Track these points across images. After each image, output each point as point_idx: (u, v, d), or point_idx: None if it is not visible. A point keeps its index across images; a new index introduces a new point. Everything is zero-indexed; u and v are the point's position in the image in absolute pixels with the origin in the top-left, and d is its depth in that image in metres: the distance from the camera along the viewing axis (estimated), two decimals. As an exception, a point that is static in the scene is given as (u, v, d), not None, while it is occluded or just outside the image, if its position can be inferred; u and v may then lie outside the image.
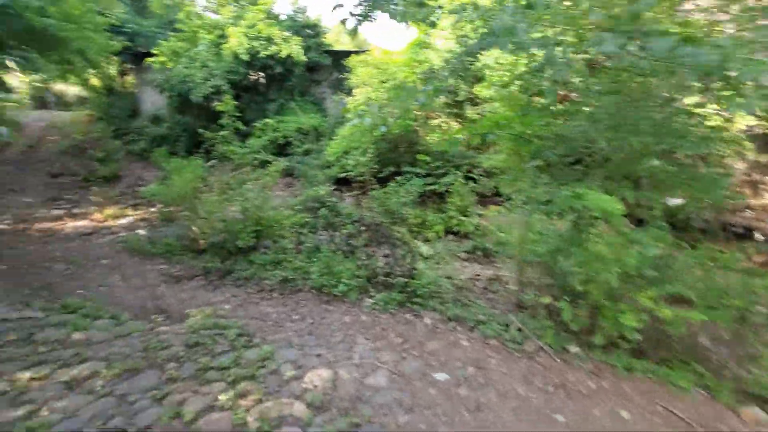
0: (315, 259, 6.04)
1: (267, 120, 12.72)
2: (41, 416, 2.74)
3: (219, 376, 3.23)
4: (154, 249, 6.32)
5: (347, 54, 15.09)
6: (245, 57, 12.54)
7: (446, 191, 8.91)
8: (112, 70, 20.55)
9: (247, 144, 11.34)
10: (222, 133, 6.58)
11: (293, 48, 12.86)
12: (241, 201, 6.09)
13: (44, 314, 4.42)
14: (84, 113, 22.00)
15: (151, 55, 14.26)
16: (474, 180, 9.00)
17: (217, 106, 6.92)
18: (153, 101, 17.87)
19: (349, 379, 3.31)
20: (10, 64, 5.98)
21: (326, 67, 15.30)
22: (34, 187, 11.20)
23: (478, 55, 3.35)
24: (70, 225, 8.31)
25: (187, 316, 4.48)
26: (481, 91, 9.00)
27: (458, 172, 9.10)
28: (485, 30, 2.84)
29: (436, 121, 10.67)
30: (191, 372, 3.30)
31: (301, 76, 14.20)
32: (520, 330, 4.08)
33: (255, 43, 12.69)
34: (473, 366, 3.59)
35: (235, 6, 13.56)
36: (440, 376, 3.44)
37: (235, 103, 7.05)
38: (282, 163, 6.71)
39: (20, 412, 2.79)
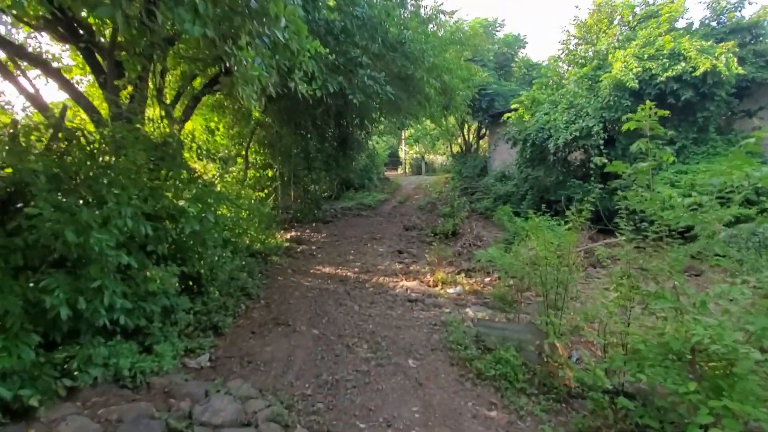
0: None
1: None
2: None
3: None
4: (482, 365, 3.55)
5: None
6: (632, 84, 8.93)
7: None
8: (470, 133, 21.90)
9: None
10: (641, 165, 3.21)
11: (720, 60, 8.15)
12: (674, 319, 2.41)
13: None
14: (443, 176, 24.72)
15: (509, 111, 13.26)
16: None
17: (626, 124, 3.63)
18: (502, 159, 17.10)
19: None
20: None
21: (767, 86, 9.38)
22: (390, 237, 11.57)
23: None
24: (402, 284, 7.13)
25: None
26: None
27: None
28: None
29: None
30: None
31: (724, 102, 9.04)
32: None
33: (651, 64, 8.91)
34: None
35: (623, 27, 10.38)
36: None
37: (660, 125, 3.51)
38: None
39: None
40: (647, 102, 3.66)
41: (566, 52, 12.02)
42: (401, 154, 32.81)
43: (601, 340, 2.70)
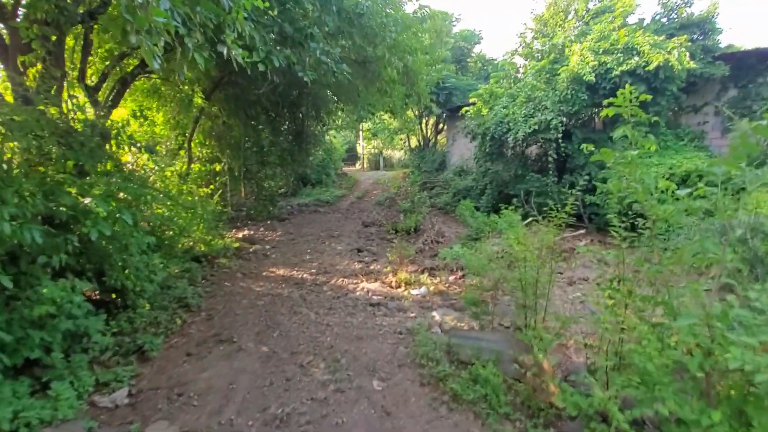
0: None
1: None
2: None
3: None
4: (458, 385, 3.08)
5: (762, 55, 9.13)
6: (589, 78, 8.93)
7: None
8: (428, 128, 21.72)
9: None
10: (630, 153, 2.86)
11: (673, 54, 8.29)
12: (688, 333, 2.06)
13: None
14: (402, 171, 24.46)
15: (467, 105, 13.09)
16: None
17: (606, 110, 3.29)
18: (461, 154, 17.03)
19: None
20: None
21: (713, 82, 9.76)
22: (349, 234, 11.04)
23: None
24: (362, 286, 6.62)
25: None
26: None
27: None
28: None
29: None
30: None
31: (673, 97, 9.26)
32: None
33: (606, 58, 8.95)
34: None
35: (579, 21, 10.40)
36: None
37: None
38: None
39: None
40: (627, 86, 3.38)
41: (523, 45, 11.97)
42: (359, 149, 32.19)
43: (603, 361, 2.34)
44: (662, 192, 2.90)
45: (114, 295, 4.47)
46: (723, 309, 1.82)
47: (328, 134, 20.72)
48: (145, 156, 5.90)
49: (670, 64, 8.42)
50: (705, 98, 10.18)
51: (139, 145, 4.50)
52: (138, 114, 6.93)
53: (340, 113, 13.35)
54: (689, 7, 9.66)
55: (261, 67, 3.24)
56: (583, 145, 2.99)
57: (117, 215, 3.25)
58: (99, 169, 4.04)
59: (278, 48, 3.44)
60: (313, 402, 3.01)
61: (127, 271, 4.26)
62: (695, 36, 9.73)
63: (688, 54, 8.57)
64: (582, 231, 9.27)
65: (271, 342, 4.14)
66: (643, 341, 2.06)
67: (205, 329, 4.49)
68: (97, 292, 4.67)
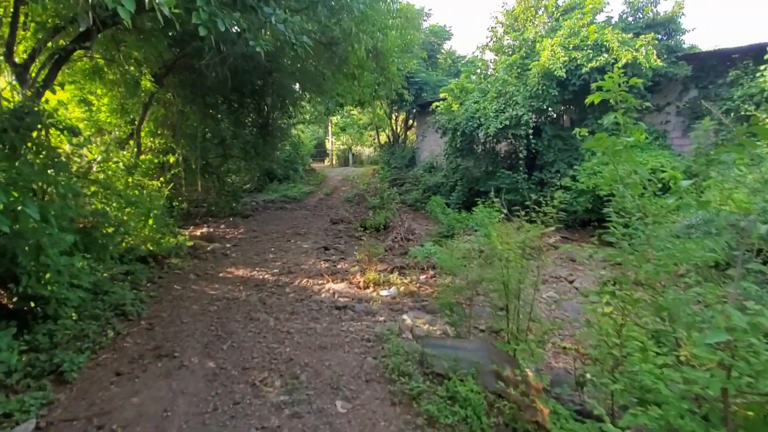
0: None
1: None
2: None
3: None
4: (434, 407, 2.67)
5: (722, 55, 9.35)
6: (560, 73, 8.83)
7: None
8: (398, 124, 21.39)
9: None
10: (624, 140, 2.56)
11: (640, 52, 8.31)
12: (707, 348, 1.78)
13: None
14: (371, 168, 24.06)
15: (437, 101, 12.83)
16: None
17: (591, 96, 2.99)
18: (431, 150, 16.80)
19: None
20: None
21: (676, 82, 9.94)
22: (316, 231, 10.55)
23: None
24: (328, 287, 6.17)
25: None
26: None
27: None
28: None
29: None
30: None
31: (639, 95, 9.33)
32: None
33: (576, 54, 8.87)
34: None
35: (549, 17, 10.32)
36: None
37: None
38: None
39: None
40: (615, 68, 3.14)
41: (494, 39, 11.82)
42: (328, 145, 31.50)
43: (609, 382, 2.01)
44: (646, 184, 2.68)
45: (33, 304, 3.80)
46: (750, 321, 1.52)
47: (295, 128, 19.98)
48: (93, 145, 5.18)
49: (638, 62, 8.44)
50: (668, 98, 10.36)
51: (62, 127, 3.83)
52: (56, 90, 6.09)
53: (307, 105, 12.73)
54: (655, 6, 9.76)
55: (202, 32, 2.70)
56: (576, 130, 2.69)
57: (19, 208, 2.64)
58: (29, 155, 3.37)
59: (226, 9, 2.91)
60: (275, 412, 2.54)
61: (48, 275, 3.62)
62: (660, 36, 9.87)
63: (654, 52, 8.63)
64: (552, 228, 9.20)
65: (220, 356, 3.62)
66: (657, 359, 1.76)
67: (144, 342, 3.89)
68: (14, 300, 3.98)
